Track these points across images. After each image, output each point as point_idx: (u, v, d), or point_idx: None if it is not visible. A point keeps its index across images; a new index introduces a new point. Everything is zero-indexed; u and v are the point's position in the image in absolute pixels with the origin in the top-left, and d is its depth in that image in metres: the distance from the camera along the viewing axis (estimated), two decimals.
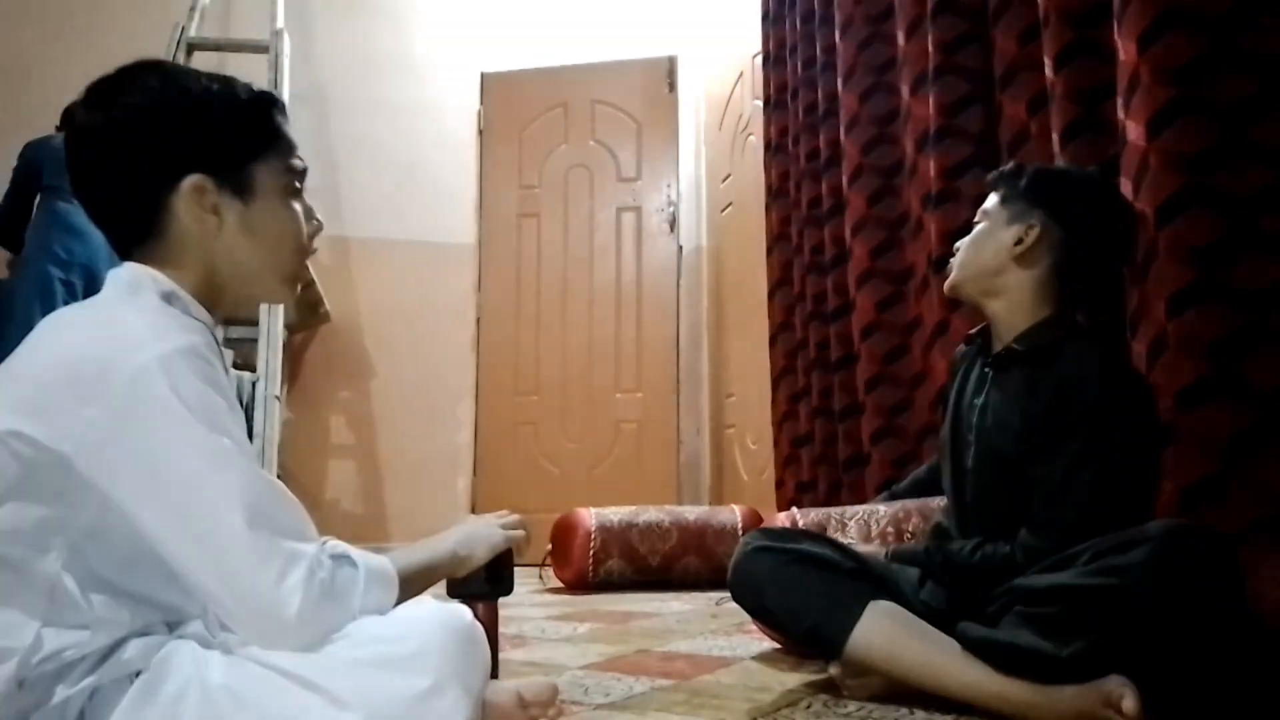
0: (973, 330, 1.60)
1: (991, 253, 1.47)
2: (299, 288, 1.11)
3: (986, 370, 1.50)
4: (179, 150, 0.96)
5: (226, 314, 1.05)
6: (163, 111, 0.96)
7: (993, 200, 1.52)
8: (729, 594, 1.55)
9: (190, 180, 0.96)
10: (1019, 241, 1.45)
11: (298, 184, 1.05)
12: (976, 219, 1.53)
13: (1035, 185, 1.47)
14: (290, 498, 0.92)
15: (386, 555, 1.01)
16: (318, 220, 1.09)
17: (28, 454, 0.86)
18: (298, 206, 1.05)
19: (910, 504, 1.84)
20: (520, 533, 1.22)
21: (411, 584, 1.02)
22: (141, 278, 0.97)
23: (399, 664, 0.89)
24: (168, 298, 0.96)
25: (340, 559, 0.92)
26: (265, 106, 1.02)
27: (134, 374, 0.86)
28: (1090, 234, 1.46)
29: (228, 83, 1.01)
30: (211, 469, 0.86)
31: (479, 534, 1.18)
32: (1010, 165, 1.55)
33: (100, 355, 0.87)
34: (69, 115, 0.98)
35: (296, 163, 1.05)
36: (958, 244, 1.56)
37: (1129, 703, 1.13)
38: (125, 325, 0.90)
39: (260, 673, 0.87)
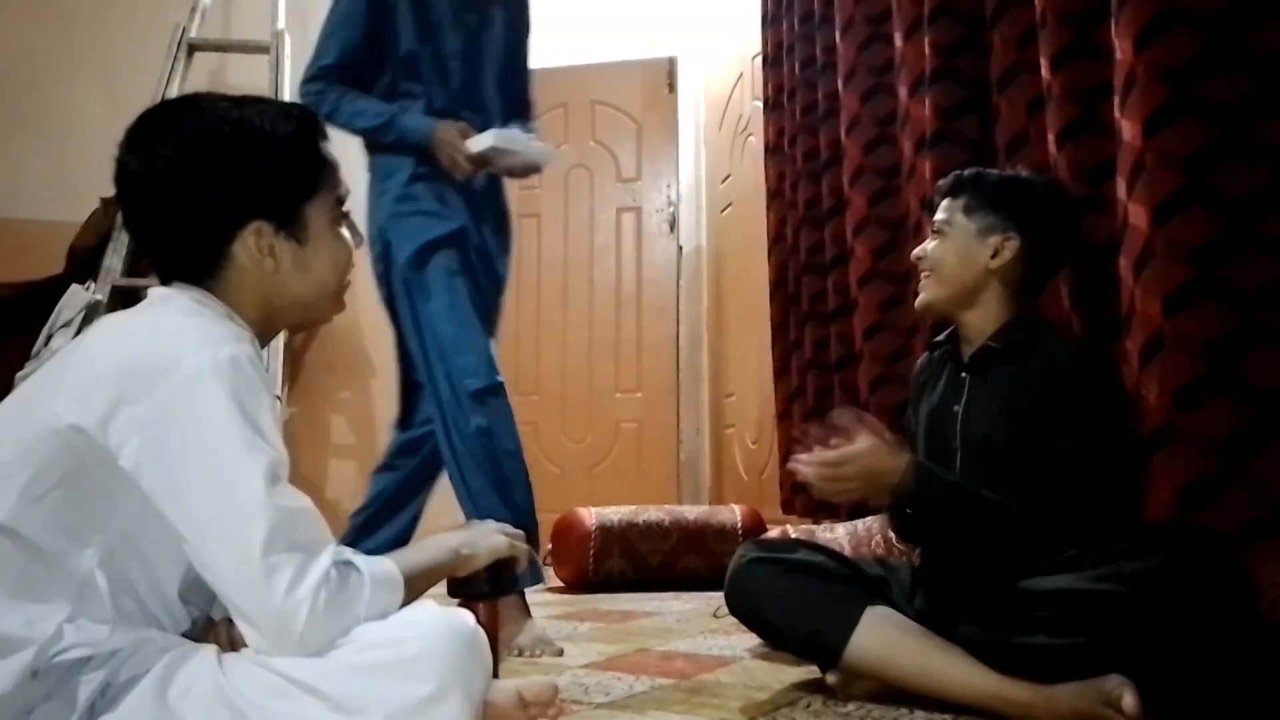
0: (937, 339, 1.60)
1: (967, 268, 1.48)
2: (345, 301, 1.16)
3: (963, 376, 1.50)
4: (240, 199, 1.00)
5: (274, 336, 1.10)
6: (225, 159, 0.99)
7: (952, 210, 1.52)
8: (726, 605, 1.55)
9: (251, 227, 1.00)
10: (994, 254, 1.47)
11: (344, 210, 1.09)
12: (936, 229, 1.53)
13: (1006, 197, 1.49)
14: (312, 509, 0.93)
15: (390, 556, 1.01)
16: (360, 235, 1.14)
17: (81, 447, 0.89)
18: (345, 233, 1.10)
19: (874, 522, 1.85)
20: (524, 546, 1.22)
21: (414, 585, 1.02)
22: (189, 295, 1.00)
23: (402, 669, 0.89)
24: (215, 308, 1.00)
25: (346, 566, 0.93)
26: (312, 139, 1.05)
27: (190, 374, 0.89)
28: (1060, 241, 1.52)
29: (275, 116, 1.03)
30: (244, 476, 0.88)
31: (482, 536, 1.19)
32: (967, 173, 1.55)
33: (154, 355, 0.90)
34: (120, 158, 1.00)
35: (342, 191, 1.09)
36: (917, 255, 1.56)
37: (1129, 701, 1.13)
38: (180, 328, 0.94)
39: (266, 678, 0.89)
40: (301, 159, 1.04)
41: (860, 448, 1.35)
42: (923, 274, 1.55)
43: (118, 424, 0.88)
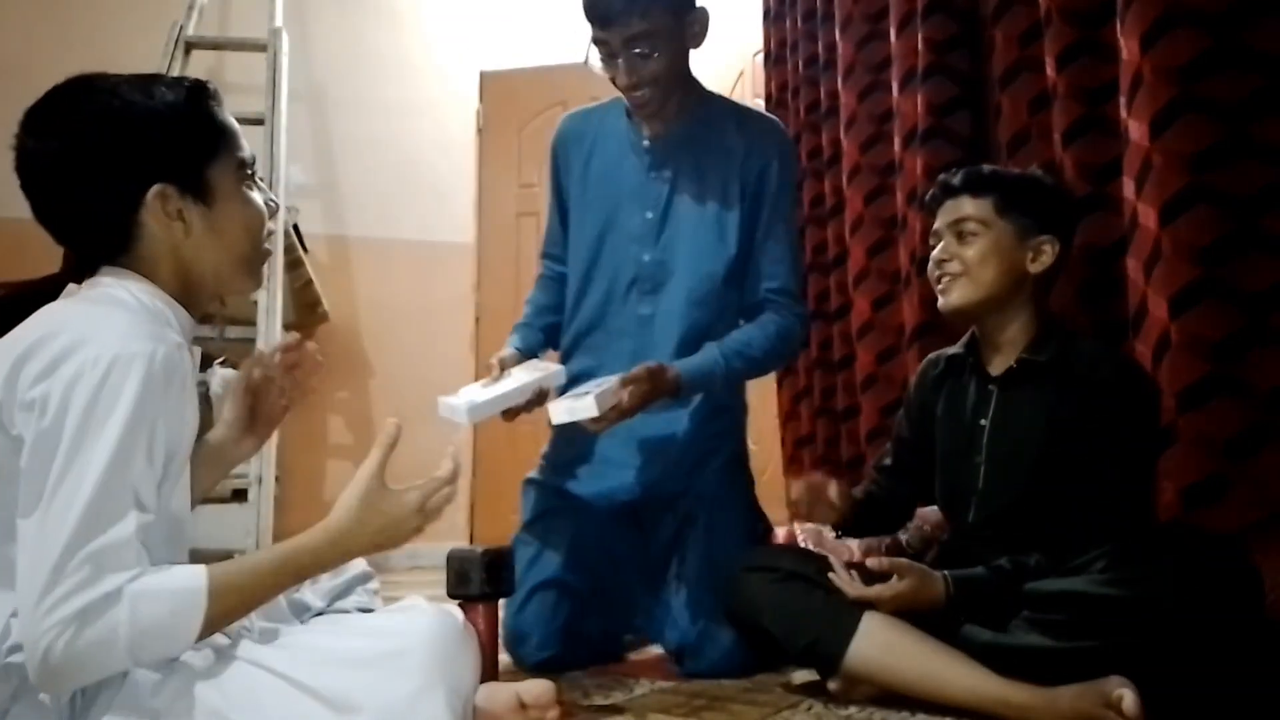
0: (952, 350, 1.56)
1: (1008, 272, 1.43)
2: (263, 273, 1.13)
3: (990, 388, 1.47)
4: (138, 165, 0.99)
5: (203, 309, 1.08)
6: (116, 130, 0.98)
7: (982, 209, 1.44)
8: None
9: (153, 191, 0.98)
10: (1034, 259, 1.43)
11: (250, 172, 1.08)
12: (966, 229, 1.44)
13: (1038, 198, 1.45)
14: (130, 536, 0.86)
15: (234, 560, 0.93)
16: (274, 201, 1.12)
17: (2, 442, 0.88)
18: (255, 196, 1.08)
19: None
20: (443, 496, 1.06)
21: (249, 589, 0.92)
22: (118, 283, 0.99)
23: (388, 665, 0.89)
24: (145, 303, 0.98)
25: (111, 595, 0.83)
26: (204, 103, 1.04)
27: (82, 366, 0.87)
28: (1072, 244, 1.49)
29: (161, 86, 1.02)
30: (76, 476, 0.84)
31: (398, 526, 1.01)
32: (986, 170, 1.49)
33: (62, 343, 0.88)
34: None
35: (244, 153, 1.07)
36: (942, 258, 1.47)
37: (1129, 703, 1.13)
38: (96, 319, 0.92)
39: (250, 672, 0.88)
40: (196, 122, 1.03)
41: (900, 589, 1.35)
42: (946, 276, 1.47)
43: (21, 414, 0.87)
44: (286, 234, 3.50)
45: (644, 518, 1.73)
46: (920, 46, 2.07)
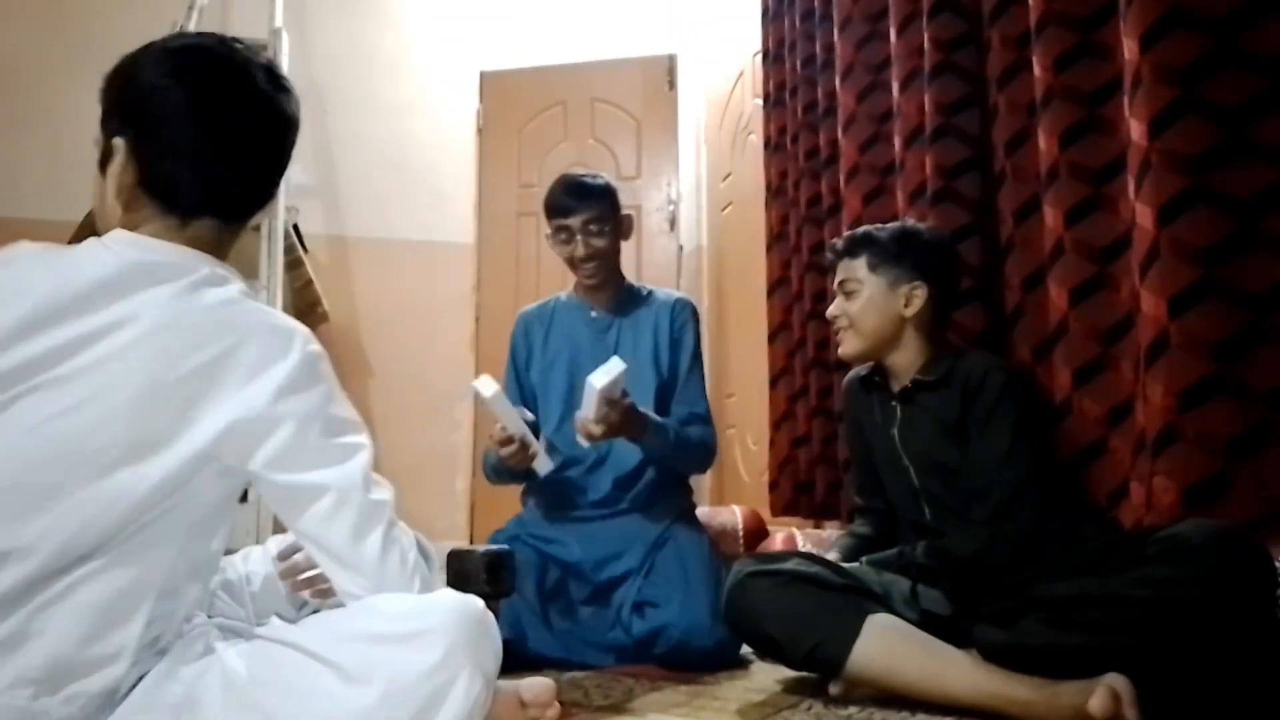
0: (864, 372, 1.76)
1: (886, 319, 1.65)
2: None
3: (893, 404, 1.67)
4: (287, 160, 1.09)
5: None
6: (293, 126, 1.08)
7: (856, 269, 1.67)
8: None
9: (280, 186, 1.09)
10: (907, 303, 1.64)
11: None
12: (848, 289, 1.68)
13: (905, 250, 1.66)
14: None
15: None
16: None
17: (207, 472, 0.93)
18: None
19: None
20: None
21: None
22: (211, 262, 1.02)
23: (411, 640, 0.91)
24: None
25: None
26: None
27: (300, 365, 0.96)
28: (951, 282, 1.71)
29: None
30: (356, 448, 0.99)
31: None
32: (859, 233, 1.72)
33: (261, 347, 0.95)
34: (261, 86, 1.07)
35: None
36: (833, 314, 1.70)
37: (1095, 702, 1.15)
38: (268, 316, 0.99)
39: (276, 650, 0.91)
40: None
41: None
42: (839, 329, 1.70)
43: (232, 426, 0.91)
44: (286, 234, 3.50)
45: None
46: (926, 46, 2.07)
